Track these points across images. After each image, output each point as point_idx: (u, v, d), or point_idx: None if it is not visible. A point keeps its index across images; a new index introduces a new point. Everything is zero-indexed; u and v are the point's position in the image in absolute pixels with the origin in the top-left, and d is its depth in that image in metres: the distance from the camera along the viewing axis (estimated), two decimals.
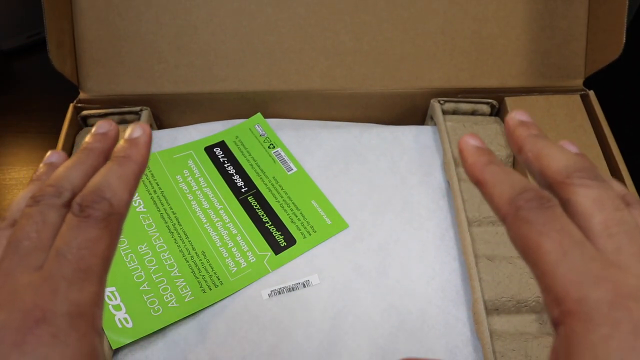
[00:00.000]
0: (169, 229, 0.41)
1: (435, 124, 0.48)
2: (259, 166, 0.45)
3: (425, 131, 0.48)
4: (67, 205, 0.20)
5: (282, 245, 0.40)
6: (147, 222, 0.41)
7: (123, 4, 0.46)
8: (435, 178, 0.44)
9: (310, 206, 0.43)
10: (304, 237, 0.41)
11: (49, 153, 0.24)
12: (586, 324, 0.15)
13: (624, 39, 0.43)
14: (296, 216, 0.42)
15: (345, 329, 0.37)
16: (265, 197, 0.43)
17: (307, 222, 0.42)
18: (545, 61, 0.48)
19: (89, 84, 0.48)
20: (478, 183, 0.20)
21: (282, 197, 0.43)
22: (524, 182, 0.19)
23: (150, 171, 0.44)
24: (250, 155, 0.46)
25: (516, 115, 0.22)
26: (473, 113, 0.48)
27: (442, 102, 0.48)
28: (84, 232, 0.18)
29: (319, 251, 0.40)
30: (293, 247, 0.40)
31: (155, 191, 0.43)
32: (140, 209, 0.42)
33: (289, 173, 0.45)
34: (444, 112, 0.48)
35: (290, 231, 0.41)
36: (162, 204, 0.42)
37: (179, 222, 0.41)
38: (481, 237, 0.40)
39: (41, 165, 0.24)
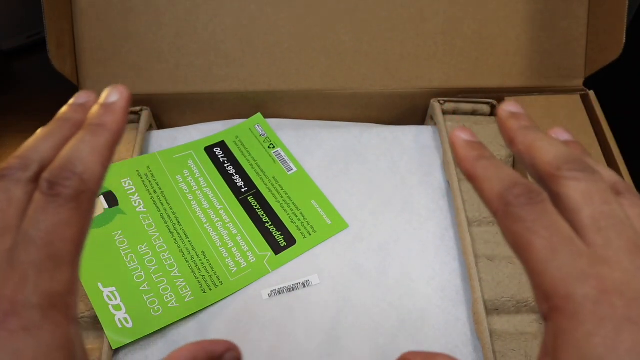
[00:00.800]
0: (169, 229, 0.41)
1: (435, 124, 0.48)
2: (259, 166, 0.45)
3: (425, 131, 0.48)
4: (35, 180, 0.18)
5: (282, 245, 0.40)
6: (147, 222, 0.41)
7: (123, 4, 0.47)
8: (435, 178, 0.44)
9: (310, 206, 0.43)
10: (304, 237, 0.41)
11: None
12: (571, 320, 0.16)
13: (624, 39, 0.43)
14: (296, 216, 0.42)
15: (345, 329, 0.37)
16: (265, 197, 0.43)
17: (307, 222, 0.42)
18: (545, 61, 0.48)
19: (89, 84, 0.48)
20: (470, 178, 0.20)
21: (282, 197, 0.43)
22: (513, 176, 0.18)
23: (150, 171, 0.44)
24: (250, 155, 0.46)
25: (507, 107, 0.22)
26: (473, 113, 0.48)
27: (442, 102, 0.48)
28: (53, 213, 0.17)
29: (319, 251, 0.40)
30: (293, 247, 0.40)
31: (155, 191, 0.43)
32: (140, 209, 0.42)
33: (289, 173, 0.45)
34: (444, 112, 0.48)
35: (290, 231, 0.41)
36: (162, 204, 0.42)
37: (179, 222, 0.41)
38: (481, 237, 0.40)
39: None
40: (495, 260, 0.39)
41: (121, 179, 0.43)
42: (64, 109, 0.21)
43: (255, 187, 0.44)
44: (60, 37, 0.45)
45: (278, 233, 0.41)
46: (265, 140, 0.47)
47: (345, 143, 0.47)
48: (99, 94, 0.21)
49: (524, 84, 0.48)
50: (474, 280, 0.37)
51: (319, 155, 0.46)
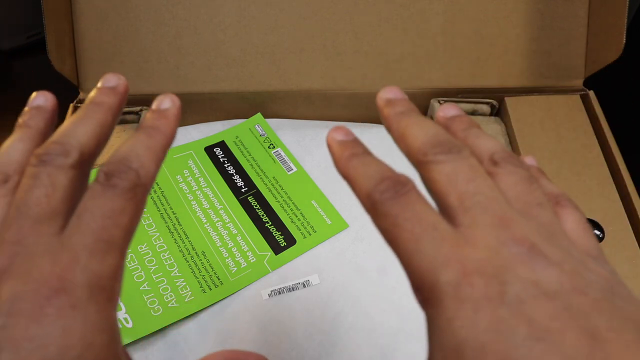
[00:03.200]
0: (169, 229, 0.41)
1: None
2: (259, 166, 0.45)
3: None
4: (76, 166, 0.18)
5: (282, 245, 0.40)
6: (147, 222, 0.41)
7: (123, 4, 0.47)
8: None
9: (310, 206, 0.43)
10: (304, 237, 0.41)
11: (33, 95, 0.22)
12: (436, 309, 0.15)
13: (624, 39, 0.43)
14: (296, 216, 0.42)
15: (345, 329, 0.37)
16: (265, 197, 0.43)
17: (307, 222, 0.42)
18: (545, 61, 0.48)
19: (89, 84, 0.48)
20: (345, 180, 0.19)
21: (282, 197, 0.43)
22: (381, 171, 0.18)
23: None
24: (250, 155, 0.46)
25: (383, 94, 0.20)
26: (473, 113, 0.48)
27: (442, 102, 0.48)
28: (109, 201, 0.17)
29: (319, 251, 0.40)
30: (293, 247, 0.40)
31: (155, 191, 0.43)
32: None
33: (289, 173, 0.45)
34: None
35: (290, 231, 0.41)
36: (162, 204, 0.42)
37: (179, 222, 0.41)
38: None
39: (26, 109, 0.22)
40: None
41: None
42: (93, 92, 0.21)
43: (255, 187, 0.44)
44: (60, 37, 0.45)
45: (278, 233, 0.41)
46: (265, 140, 0.47)
47: None
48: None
49: (524, 84, 0.48)
50: None
51: (319, 155, 0.46)
